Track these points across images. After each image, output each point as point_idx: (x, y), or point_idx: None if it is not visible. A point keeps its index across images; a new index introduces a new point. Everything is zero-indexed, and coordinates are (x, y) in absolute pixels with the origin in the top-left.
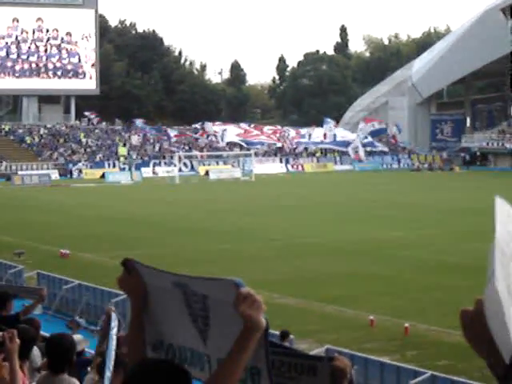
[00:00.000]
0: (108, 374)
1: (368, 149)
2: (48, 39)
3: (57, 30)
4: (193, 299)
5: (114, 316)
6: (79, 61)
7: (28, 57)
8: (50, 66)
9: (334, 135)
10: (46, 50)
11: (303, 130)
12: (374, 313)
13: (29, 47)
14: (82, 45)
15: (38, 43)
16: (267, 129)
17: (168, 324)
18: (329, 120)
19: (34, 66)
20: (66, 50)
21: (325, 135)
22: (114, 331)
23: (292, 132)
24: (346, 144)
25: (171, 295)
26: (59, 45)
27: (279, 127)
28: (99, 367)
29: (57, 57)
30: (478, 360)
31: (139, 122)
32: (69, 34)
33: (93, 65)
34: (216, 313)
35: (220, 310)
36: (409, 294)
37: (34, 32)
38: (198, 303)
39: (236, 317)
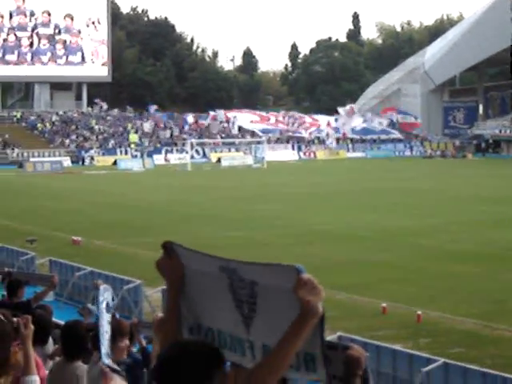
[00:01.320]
0: (104, 350)
1: (383, 136)
2: (34, 28)
3: (48, 14)
4: (239, 285)
5: (102, 289)
6: (82, 59)
7: (4, 54)
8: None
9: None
10: (31, 44)
11: (314, 116)
12: (387, 300)
13: (4, 39)
14: (85, 35)
15: (18, 33)
16: (279, 116)
17: (208, 308)
18: (341, 111)
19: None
20: (63, 43)
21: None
22: (103, 305)
23: (308, 119)
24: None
25: (215, 279)
26: (52, 36)
27: (291, 114)
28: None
29: (48, 54)
30: (490, 348)
31: (152, 108)
32: (69, 16)
33: (103, 64)
34: (264, 299)
35: (270, 296)
36: (421, 281)
37: (11, 16)
38: (244, 289)
39: (287, 303)
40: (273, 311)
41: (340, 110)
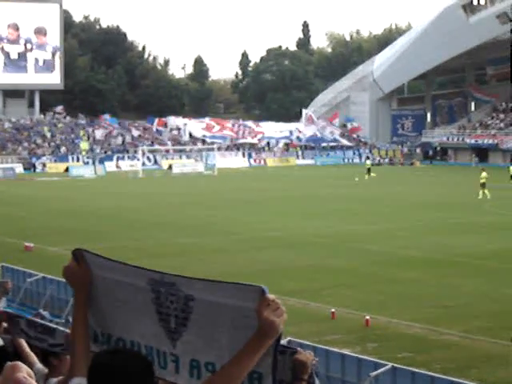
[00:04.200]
0: None
1: (332, 144)
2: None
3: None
4: (169, 299)
5: None
6: (35, 66)
7: None
8: None
9: (298, 136)
10: None
11: (264, 124)
12: (336, 305)
13: None
14: (38, 43)
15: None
16: (230, 123)
17: (121, 318)
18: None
19: None
20: (16, 51)
21: (291, 132)
22: None
23: (252, 125)
24: (313, 139)
25: (134, 291)
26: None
27: (241, 121)
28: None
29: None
30: (438, 352)
31: (106, 116)
32: (21, 25)
33: (56, 72)
34: (201, 315)
35: (208, 312)
36: (370, 286)
37: None
38: (174, 303)
39: (231, 321)
40: (206, 327)
41: (323, 122)
